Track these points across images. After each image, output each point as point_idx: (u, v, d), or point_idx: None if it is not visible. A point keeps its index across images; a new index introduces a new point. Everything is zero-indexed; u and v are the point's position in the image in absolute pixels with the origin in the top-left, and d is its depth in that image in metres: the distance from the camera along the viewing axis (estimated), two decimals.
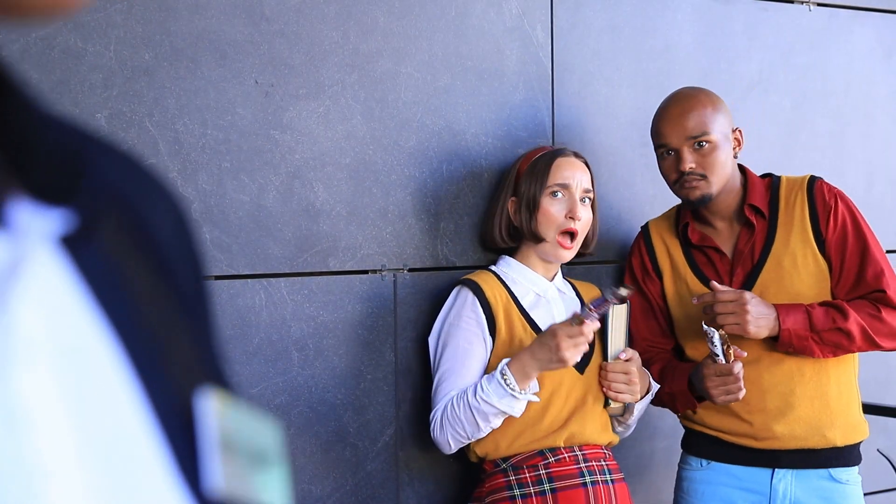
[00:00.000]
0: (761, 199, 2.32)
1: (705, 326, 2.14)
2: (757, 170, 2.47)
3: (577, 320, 1.98)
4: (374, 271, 2.30)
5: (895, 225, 3.45)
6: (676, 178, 2.28)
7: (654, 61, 2.82)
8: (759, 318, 2.15)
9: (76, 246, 0.43)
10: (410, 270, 2.34)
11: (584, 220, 2.21)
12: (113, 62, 1.98)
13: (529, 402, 2.07)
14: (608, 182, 2.67)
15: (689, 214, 2.37)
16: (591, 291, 2.35)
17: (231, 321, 2.10)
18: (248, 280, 2.13)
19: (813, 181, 2.33)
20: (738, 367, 2.15)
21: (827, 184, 2.35)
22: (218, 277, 2.10)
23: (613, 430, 2.27)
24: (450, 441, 2.11)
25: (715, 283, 2.20)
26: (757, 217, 2.31)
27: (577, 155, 2.26)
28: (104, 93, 1.98)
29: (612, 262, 2.70)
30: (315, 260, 2.21)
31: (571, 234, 2.21)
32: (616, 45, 2.74)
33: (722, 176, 2.27)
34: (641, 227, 2.51)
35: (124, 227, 0.47)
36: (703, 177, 2.25)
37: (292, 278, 2.19)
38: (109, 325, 0.43)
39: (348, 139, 2.25)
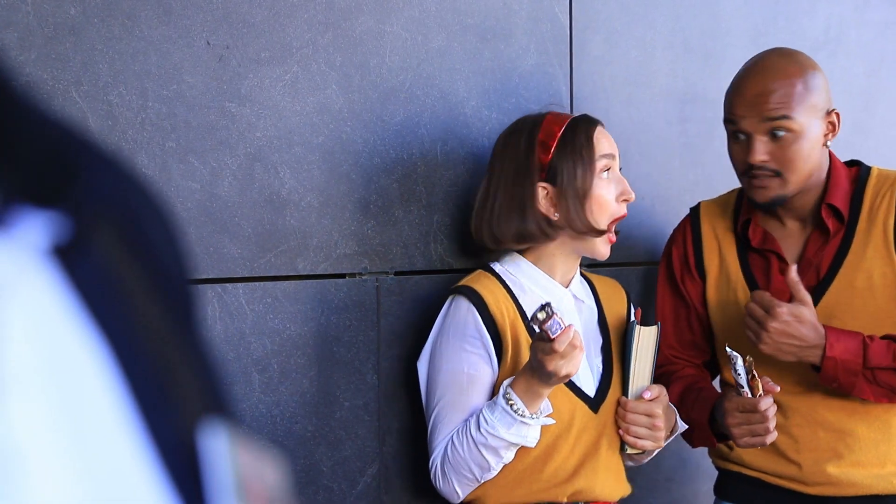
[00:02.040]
0: (843, 196, 2.27)
1: (728, 349, 2.14)
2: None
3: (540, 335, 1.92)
4: (353, 275, 2.30)
5: None
6: (744, 170, 2.24)
7: (695, 17, 2.82)
8: (785, 337, 2.12)
9: (69, 257, 0.47)
10: (397, 274, 2.34)
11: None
12: (31, 18, 1.99)
13: (531, 447, 2.05)
14: (639, 166, 2.67)
15: (749, 207, 2.34)
16: (614, 293, 2.33)
17: None
18: (198, 286, 2.14)
19: None
20: (765, 404, 2.13)
21: None
22: None
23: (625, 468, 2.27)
24: (457, 490, 2.10)
25: (758, 292, 2.18)
26: (834, 220, 2.27)
27: (599, 122, 2.25)
28: (20, 56, 1.98)
29: (640, 264, 2.70)
30: (280, 261, 2.22)
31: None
32: None
33: (803, 173, 2.22)
34: (691, 210, 2.49)
35: (118, 236, 0.50)
36: (778, 174, 2.20)
37: (253, 283, 2.19)
38: (105, 344, 0.47)
39: (321, 113, 2.26)
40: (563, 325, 1.88)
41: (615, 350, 2.24)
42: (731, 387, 2.22)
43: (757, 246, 2.30)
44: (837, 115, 2.26)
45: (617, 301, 2.32)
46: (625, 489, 2.23)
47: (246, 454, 0.52)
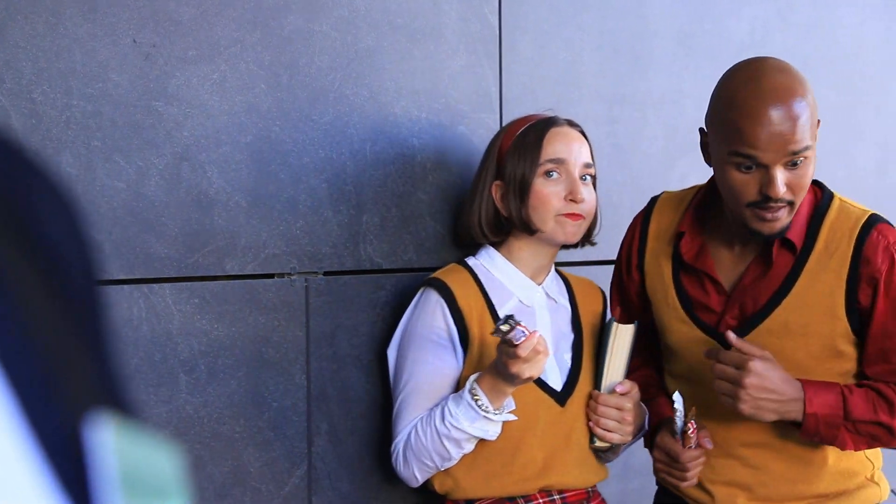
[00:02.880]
0: (799, 231, 2.11)
1: (675, 395, 2.13)
2: None
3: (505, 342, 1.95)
4: (282, 275, 2.29)
5: None
6: (756, 202, 2.01)
7: (623, 19, 2.85)
8: (764, 392, 2.01)
9: None
10: (326, 274, 2.34)
11: (588, 203, 2.22)
12: None
13: (499, 440, 2.09)
14: None
15: (694, 216, 2.21)
16: (590, 293, 2.36)
17: None
18: (125, 286, 2.12)
19: (870, 226, 2.09)
20: (688, 457, 2.14)
21: (890, 234, 2.09)
22: None
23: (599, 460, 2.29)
24: (416, 475, 2.16)
25: (731, 335, 2.05)
26: (786, 254, 2.12)
27: (571, 123, 2.27)
28: None
29: (571, 265, 2.72)
30: (208, 261, 2.20)
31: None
32: None
33: (805, 196, 2.08)
34: (649, 201, 2.38)
35: (6, 227, 0.48)
36: (791, 203, 2.02)
37: (180, 284, 2.18)
38: None
39: (249, 113, 2.25)
40: (526, 333, 1.93)
41: (587, 346, 2.27)
42: (666, 420, 2.22)
43: (689, 262, 2.19)
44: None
45: (592, 300, 2.36)
46: (600, 475, 2.28)
47: (137, 448, 0.50)
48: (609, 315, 2.33)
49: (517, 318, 1.94)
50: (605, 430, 2.19)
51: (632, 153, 2.87)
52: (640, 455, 2.69)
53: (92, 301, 0.54)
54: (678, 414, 2.14)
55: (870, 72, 3.40)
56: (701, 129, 2.14)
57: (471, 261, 2.27)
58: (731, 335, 2.05)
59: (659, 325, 2.30)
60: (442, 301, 2.17)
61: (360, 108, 2.39)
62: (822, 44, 3.28)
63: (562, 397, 2.20)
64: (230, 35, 2.23)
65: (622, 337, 2.20)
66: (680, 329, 2.23)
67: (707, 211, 2.22)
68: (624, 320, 2.28)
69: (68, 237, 0.53)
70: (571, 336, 2.29)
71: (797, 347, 2.11)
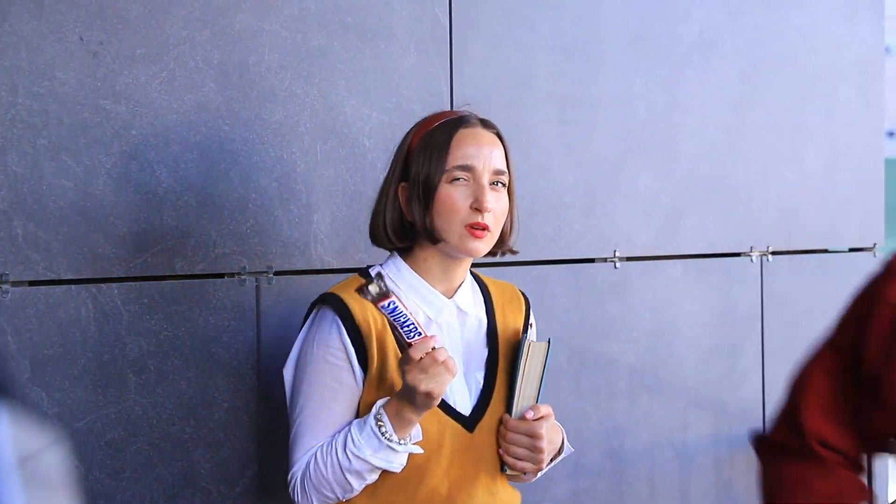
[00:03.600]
0: None
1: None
2: (700, 153, 2.50)
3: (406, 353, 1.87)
4: (232, 275, 2.28)
5: (859, 220, 3.56)
6: None
7: (575, 21, 2.86)
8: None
9: None
10: (277, 274, 2.33)
11: (496, 211, 2.02)
12: None
13: (402, 470, 1.96)
14: (520, 167, 2.69)
15: None
16: (512, 302, 2.17)
17: (50, 337, 2.07)
18: (73, 286, 2.10)
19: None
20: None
21: None
22: (33, 283, 2.06)
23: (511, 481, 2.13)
24: None
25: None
26: None
27: (485, 124, 2.08)
28: None
29: (525, 264, 2.73)
30: (157, 261, 2.19)
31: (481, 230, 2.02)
32: (530, 0, 2.77)
33: None
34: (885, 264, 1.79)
35: None
36: None
37: (128, 284, 2.16)
38: None
39: (199, 111, 2.24)
40: (422, 332, 1.86)
41: (502, 364, 2.09)
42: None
43: None
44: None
45: (513, 311, 2.16)
46: (512, 500, 2.12)
47: (29, 437, 0.50)
48: (527, 329, 2.15)
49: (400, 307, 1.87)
50: (514, 457, 2.03)
51: (583, 154, 2.88)
52: (590, 454, 2.70)
53: None
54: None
55: (819, 74, 3.43)
56: None
57: (374, 271, 2.04)
58: None
59: None
60: (338, 319, 1.98)
61: (310, 107, 2.38)
62: (772, 46, 3.31)
63: (470, 422, 2.02)
64: (179, 33, 2.22)
65: (536, 355, 2.05)
66: None
67: None
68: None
69: None
70: (485, 352, 2.09)
71: None
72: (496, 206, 2.02)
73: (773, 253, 3.30)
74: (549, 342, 2.07)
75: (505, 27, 2.71)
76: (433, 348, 1.86)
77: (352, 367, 1.98)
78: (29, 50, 2.06)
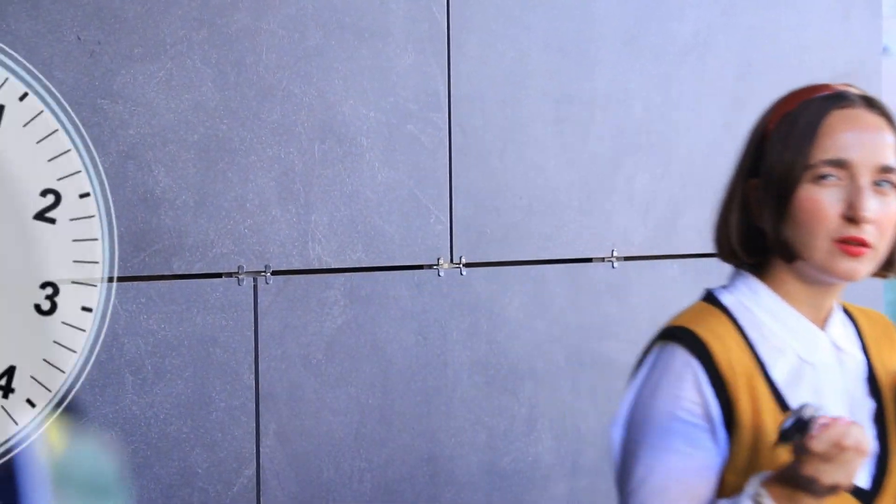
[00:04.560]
0: None
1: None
2: (697, 152, 2.50)
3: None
4: (230, 274, 2.28)
5: None
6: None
7: (570, 20, 2.86)
8: None
9: None
10: (275, 273, 2.33)
11: (881, 221, 1.50)
12: None
13: None
14: (515, 166, 2.70)
15: None
16: (885, 334, 1.67)
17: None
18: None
19: None
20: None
21: None
22: None
23: None
24: None
25: None
26: None
27: (870, 103, 1.55)
28: None
29: (522, 264, 2.73)
30: (155, 261, 2.19)
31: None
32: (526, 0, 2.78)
33: None
34: None
35: None
36: None
37: (126, 283, 2.16)
38: None
39: (196, 111, 2.23)
40: (822, 418, 1.36)
41: (891, 417, 1.58)
42: None
43: None
44: None
45: (886, 344, 1.65)
46: None
47: (69, 450, 0.50)
48: None
49: (814, 405, 1.38)
50: None
51: (579, 152, 2.88)
52: (588, 454, 2.70)
53: None
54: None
55: (813, 74, 3.44)
56: None
57: (725, 297, 1.58)
58: None
59: None
60: (694, 363, 1.50)
61: (308, 107, 2.38)
62: (765, 45, 3.31)
63: (869, 497, 1.52)
64: (176, 33, 2.21)
65: None
66: None
67: None
68: None
69: None
70: (872, 404, 1.59)
71: None
72: (880, 214, 1.50)
73: None
74: None
75: (500, 25, 2.71)
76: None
77: (712, 427, 1.51)
78: (26, 49, 2.05)
